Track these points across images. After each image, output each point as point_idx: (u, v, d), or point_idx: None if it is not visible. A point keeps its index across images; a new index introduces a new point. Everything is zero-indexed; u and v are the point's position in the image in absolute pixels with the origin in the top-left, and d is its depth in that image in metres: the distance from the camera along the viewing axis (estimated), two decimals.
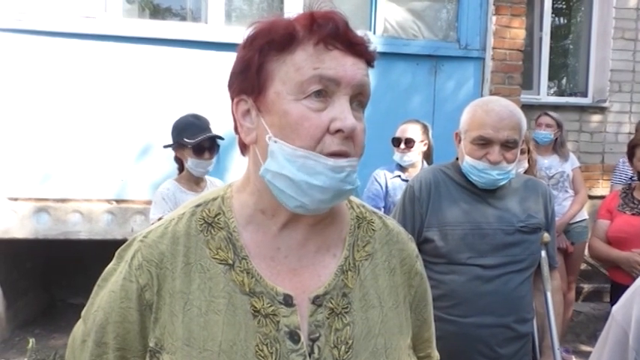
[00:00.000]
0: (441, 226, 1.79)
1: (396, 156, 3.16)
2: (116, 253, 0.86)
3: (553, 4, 5.61)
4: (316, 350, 0.78)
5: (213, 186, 2.79)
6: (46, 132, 3.84)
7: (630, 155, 2.92)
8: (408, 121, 3.29)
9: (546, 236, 1.90)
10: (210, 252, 0.80)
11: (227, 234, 0.81)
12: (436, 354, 1.01)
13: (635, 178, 3.12)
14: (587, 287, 4.84)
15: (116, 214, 3.90)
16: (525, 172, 2.98)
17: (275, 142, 0.76)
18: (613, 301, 2.92)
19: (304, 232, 0.82)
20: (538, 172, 3.72)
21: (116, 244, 3.58)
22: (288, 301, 0.79)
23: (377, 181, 3.18)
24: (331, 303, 0.80)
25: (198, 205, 0.85)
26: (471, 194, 1.82)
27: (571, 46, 6.11)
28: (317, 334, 0.78)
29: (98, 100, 3.89)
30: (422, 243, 1.82)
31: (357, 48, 0.78)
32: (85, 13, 3.86)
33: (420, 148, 3.17)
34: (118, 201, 3.94)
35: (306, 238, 0.82)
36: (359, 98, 0.79)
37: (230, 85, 0.84)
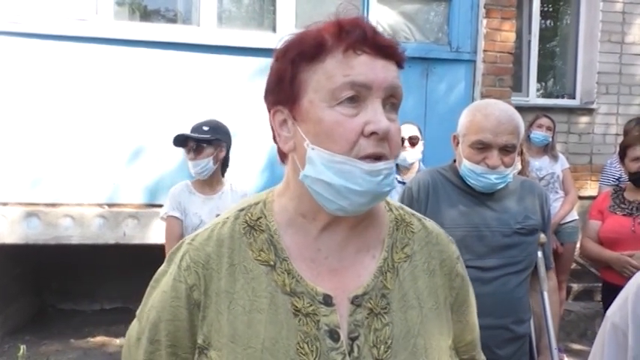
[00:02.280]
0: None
1: (400, 155, 3.19)
2: (167, 256, 0.90)
3: (541, 7, 5.68)
4: (355, 349, 0.80)
5: (233, 191, 2.80)
6: (36, 135, 3.80)
7: (622, 156, 2.96)
8: (405, 122, 3.31)
9: (543, 237, 1.93)
10: (252, 254, 0.84)
11: (268, 236, 0.85)
12: (482, 357, 1.02)
13: (624, 178, 3.18)
14: (577, 287, 4.89)
15: (108, 218, 3.86)
16: (518, 174, 3.01)
17: (312, 149, 0.79)
18: (605, 301, 2.96)
19: (344, 234, 0.85)
20: (529, 173, 3.77)
21: (108, 248, 3.54)
22: (327, 300, 0.81)
23: None
24: (370, 303, 0.83)
25: (241, 210, 0.88)
26: (469, 196, 1.83)
27: (559, 49, 6.19)
28: (356, 334, 0.81)
29: (89, 103, 3.86)
30: None
31: (386, 51, 0.80)
32: (75, 15, 3.83)
33: (421, 147, 3.22)
34: (109, 205, 3.91)
35: (346, 239, 0.85)
36: (391, 100, 0.81)
37: (266, 97, 0.86)
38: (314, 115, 0.79)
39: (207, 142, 2.69)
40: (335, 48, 0.78)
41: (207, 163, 2.69)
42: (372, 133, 0.77)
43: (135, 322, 0.90)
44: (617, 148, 3.11)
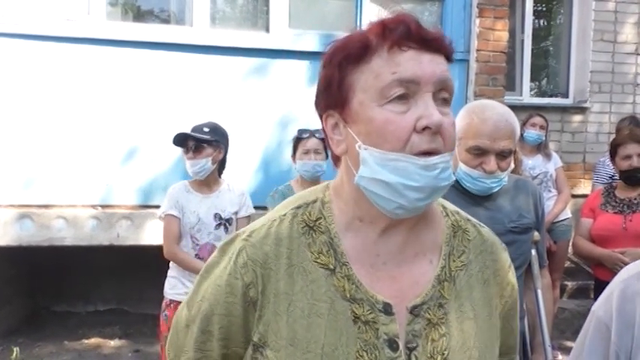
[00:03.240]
0: None
1: None
2: (218, 247, 0.89)
3: (534, 6, 5.71)
4: (413, 359, 0.79)
5: (230, 190, 2.86)
6: (28, 136, 3.77)
7: (613, 154, 2.97)
8: None
9: (536, 235, 1.94)
10: (311, 255, 0.83)
11: (328, 239, 0.83)
12: (517, 358, 1.04)
13: (617, 176, 3.19)
14: (571, 285, 4.92)
15: (101, 220, 3.85)
16: (512, 172, 3.02)
17: (365, 149, 0.78)
18: (597, 298, 2.97)
19: (402, 237, 0.83)
20: (522, 172, 3.78)
21: (102, 250, 3.52)
22: (387, 309, 0.81)
23: None
24: (428, 313, 0.82)
25: (298, 207, 0.86)
26: (463, 196, 1.83)
27: (552, 48, 6.21)
28: (414, 344, 0.80)
29: (82, 104, 3.84)
30: None
31: (432, 44, 0.78)
32: (67, 15, 3.81)
33: None
34: (103, 206, 3.89)
35: (405, 242, 0.84)
36: (442, 95, 0.79)
37: (317, 104, 0.87)
38: (364, 116, 0.78)
39: (207, 142, 2.72)
40: (380, 47, 0.78)
41: (205, 163, 2.72)
42: (425, 128, 0.76)
43: (183, 308, 0.90)
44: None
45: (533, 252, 1.94)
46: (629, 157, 2.87)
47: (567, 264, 4.70)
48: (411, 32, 0.78)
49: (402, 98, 0.77)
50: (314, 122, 3.53)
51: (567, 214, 4.08)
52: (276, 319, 0.80)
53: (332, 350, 0.78)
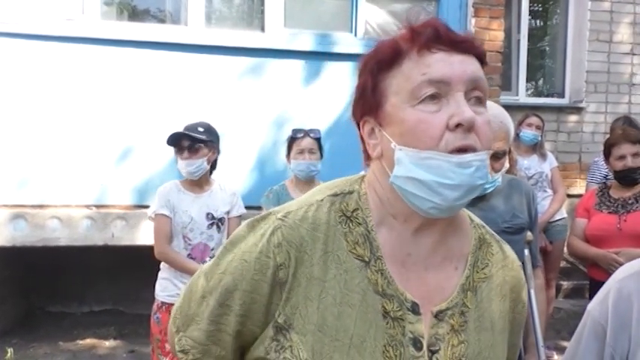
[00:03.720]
0: None
1: None
2: (248, 222, 0.87)
3: (530, 6, 5.71)
4: None
5: (222, 190, 2.84)
6: (22, 135, 3.76)
7: (607, 154, 2.97)
8: None
9: (529, 235, 1.94)
10: (347, 245, 0.83)
11: (365, 231, 0.84)
12: None
13: (611, 177, 3.19)
14: (566, 284, 4.93)
15: (96, 220, 3.83)
16: (507, 172, 3.02)
17: (400, 149, 0.79)
18: (592, 298, 2.98)
19: (434, 239, 0.84)
20: (518, 172, 3.78)
21: (97, 250, 3.50)
22: (415, 309, 0.82)
23: None
24: (452, 319, 0.84)
25: (335, 195, 0.86)
26: None
27: (548, 48, 6.23)
28: (437, 347, 0.82)
29: (76, 104, 3.83)
30: None
31: (462, 45, 0.80)
32: (62, 15, 3.79)
33: None
34: (97, 206, 3.88)
35: (436, 244, 0.85)
36: (475, 94, 0.80)
37: (354, 113, 0.88)
38: (397, 117, 0.79)
39: (204, 142, 2.71)
40: (410, 50, 0.79)
41: (201, 163, 2.71)
42: (458, 125, 0.76)
43: (200, 278, 0.88)
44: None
45: (527, 252, 1.94)
46: (623, 157, 2.87)
47: (563, 264, 4.70)
48: (440, 34, 0.79)
49: (433, 98, 0.78)
50: (309, 122, 3.53)
51: (563, 214, 4.08)
52: (306, 304, 0.80)
53: (360, 342, 0.79)
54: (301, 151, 2.91)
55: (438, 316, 0.83)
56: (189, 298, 0.89)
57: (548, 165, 4.04)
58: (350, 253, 0.82)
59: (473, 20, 4.41)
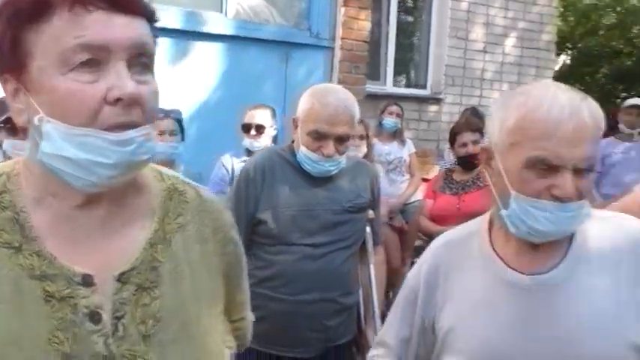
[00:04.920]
0: (273, 208, 1.85)
1: (246, 142, 3.16)
2: None
3: (402, 2, 6.04)
4: (120, 328, 0.75)
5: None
6: None
7: (452, 142, 3.26)
8: (257, 106, 3.30)
9: (371, 213, 2.07)
10: None
11: (13, 214, 0.75)
12: (250, 315, 1.04)
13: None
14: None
15: None
16: (364, 157, 3.19)
17: (48, 121, 0.70)
18: None
19: (106, 209, 0.78)
20: (378, 157, 4.01)
21: None
22: (87, 280, 0.75)
23: (224, 166, 3.17)
24: (138, 278, 0.78)
25: None
26: (305, 177, 1.90)
27: (415, 42, 6.64)
28: (122, 312, 0.76)
29: None
30: (256, 225, 1.87)
31: (125, 4, 0.71)
32: None
33: (270, 133, 3.21)
34: None
35: (110, 214, 0.78)
36: (141, 60, 0.73)
37: None
38: (46, 84, 0.69)
39: None
40: (61, 5, 0.68)
41: None
42: (117, 100, 0.69)
43: None
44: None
45: (368, 229, 2.07)
46: (465, 144, 3.16)
47: (418, 242, 5.09)
48: None
49: (88, 66, 0.69)
50: (173, 103, 3.36)
51: (418, 196, 4.40)
52: None
53: (18, 337, 0.71)
54: (161, 133, 2.81)
55: (121, 279, 0.77)
56: None
57: (407, 151, 4.33)
58: None
59: (342, 10, 4.55)
